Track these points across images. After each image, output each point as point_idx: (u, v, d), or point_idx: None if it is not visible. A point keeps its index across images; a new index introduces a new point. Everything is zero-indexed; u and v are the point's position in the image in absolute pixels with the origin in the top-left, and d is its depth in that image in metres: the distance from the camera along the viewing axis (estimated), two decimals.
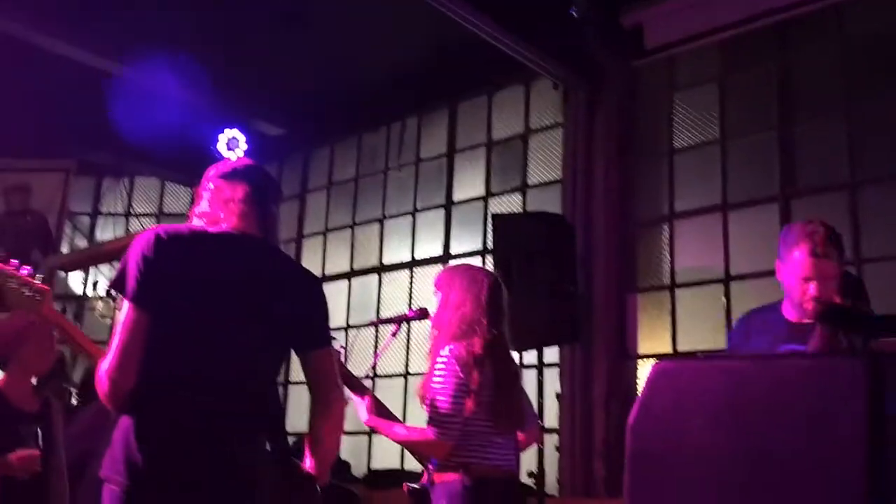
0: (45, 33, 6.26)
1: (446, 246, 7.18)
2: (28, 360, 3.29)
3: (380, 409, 3.11)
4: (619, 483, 5.40)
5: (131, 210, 8.94)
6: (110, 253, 6.68)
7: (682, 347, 5.69)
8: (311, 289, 2.31)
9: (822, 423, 1.14)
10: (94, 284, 7.98)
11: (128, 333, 2.04)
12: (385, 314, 7.25)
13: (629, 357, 5.86)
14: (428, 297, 3.20)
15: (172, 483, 1.99)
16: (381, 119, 7.81)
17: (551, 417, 5.37)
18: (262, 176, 2.34)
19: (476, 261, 6.72)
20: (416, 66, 6.97)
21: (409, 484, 3.05)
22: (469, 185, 7.22)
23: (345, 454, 6.77)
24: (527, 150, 6.87)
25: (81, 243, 8.72)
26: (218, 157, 7.36)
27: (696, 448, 1.20)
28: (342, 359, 3.04)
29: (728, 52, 5.94)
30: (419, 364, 6.63)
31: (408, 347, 7.05)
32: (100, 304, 7.62)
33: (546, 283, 4.76)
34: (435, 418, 2.84)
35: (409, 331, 6.90)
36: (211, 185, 2.26)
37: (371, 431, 7.02)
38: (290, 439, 2.28)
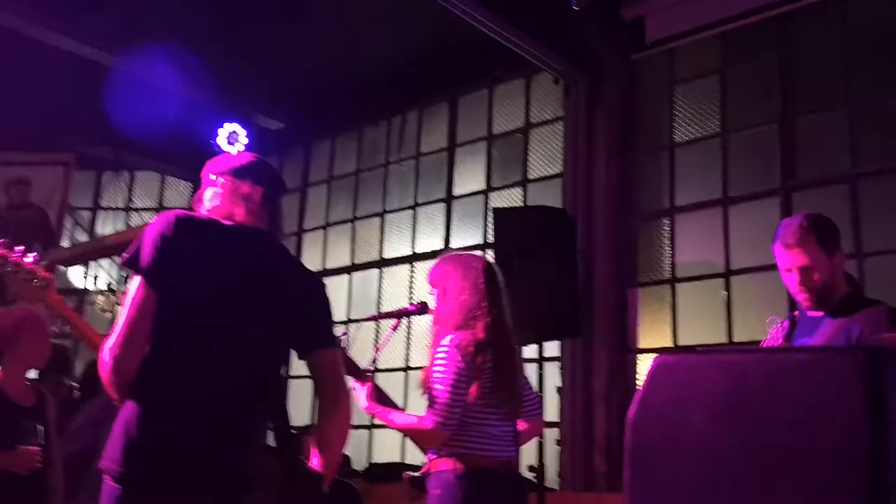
0: (45, 26, 6.25)
1: (447, 240, 7.18)
2: (24, 354, 3.29)
3: (380, 397, 3.10)
4: (620, 477, 5.41)
5: (131, 204, 8.94)
6: (111, 247, 6.68)
7: (682, 341, 5.69)
8: (317, 290, 2.31)
9: (821, 417, 1.14)
10: (95, 279, 7.98)
11: (136, 310, 2.03)
12: (385, 308, 7.26)
13: (629, 351, 5.86)
14: (429, 292, 3.19)
15: (171, 473, 1.99)
16: (381, 113, 7.80)
17: (552, 411, 5.37)
18: (273, 174, 2.35)
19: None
20: (417, 59, 6.96)
21: (409, 473, 3.05)
22: (470, 179, 7.22)
23: (345, 448, 6.78)
24: (527, 144, 6.87)
25: (82, 237, 8.72)
26: (218, 152, 7.35)
27: (695, 442, 1.20)
28: (346, 346, 3.04)
29: (729, 45, 5.92)
30: (420, 358, 6.63)
31: (408, 342, 7.05)
32: (100, 299, 7.62)
33: (546, 277, 4.75)
34: (433, 407, 2.83)
35: (409, 325, 6.91)
36: (221, 181, 2.25)
37: (372, 426, 7.03)
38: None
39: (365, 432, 7.05)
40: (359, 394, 3.03)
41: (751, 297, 5.46)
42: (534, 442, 3.82)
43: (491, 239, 6.08)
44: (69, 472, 3.48)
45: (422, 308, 3.31)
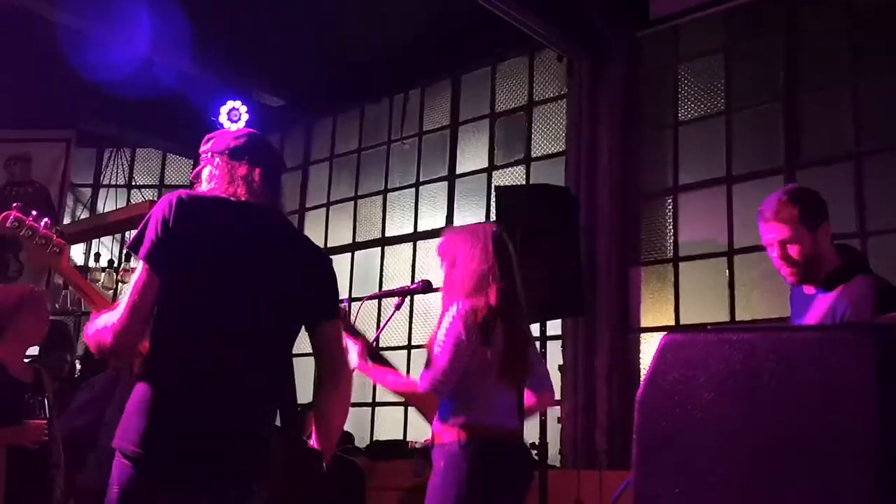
0: (45, 1, 6.20)
1: (449, 218, 7.16)
2: (24, 331, 3.29)
3: (374, 356, 3.06)
4: (621, 455, 5.44)
5: (133, 182, 8.91)
6: (112, 224, 6.66)
7: (684, 321, 5.69)
8: (322, 264, 2.31)
9: (832, 396, 1.13)
10: (97, 256, 7.97)
11: (139, 294, 2.03)
12: (388, 287, 7.26)
13: (632, 330, 5.86)
14: (431, 270, 3.18)
15: (185, 454, 1.99)
16: (383, 90, 7.76)
17: (554, 390, 5.38)
18: (270, 152, 2.33)
19: None
20: (419, 36, 6.91)
21: (413, 442, 3.04)
22: (472, 157, 7.19)
23: (348, 425, 6.77)
24: (531, 122, 6.83)
25: (83, 215, 8.70)
26: (219, 128, 7.31)
27: (705, 421, 1.19)
28: (346, 314, 3.02)
29: (733, 22, 5.88)
30: (422, 336, 6.64)
31: (411, 320, 7.05)
32: (102, 276, 7.62)
33: (549, 256, 4.75)
34: (429, 370, 2.81)
35: (411, 303, 6.91)
36: (218, 161, 2.24)
37: (374, 403, 7.05)
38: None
39: (368, 410, 7.08)
40: (350, 352, 2.94)
41: (754, 276, 5.45)
42: (535, 420, 3.82)
43: (494, 217, 6.07)
44: (73, 448, 3.50)
45: (424, 286, 3.30)
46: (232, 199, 2.18)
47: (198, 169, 2.28)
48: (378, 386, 3.18)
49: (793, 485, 1.09)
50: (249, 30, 6.74)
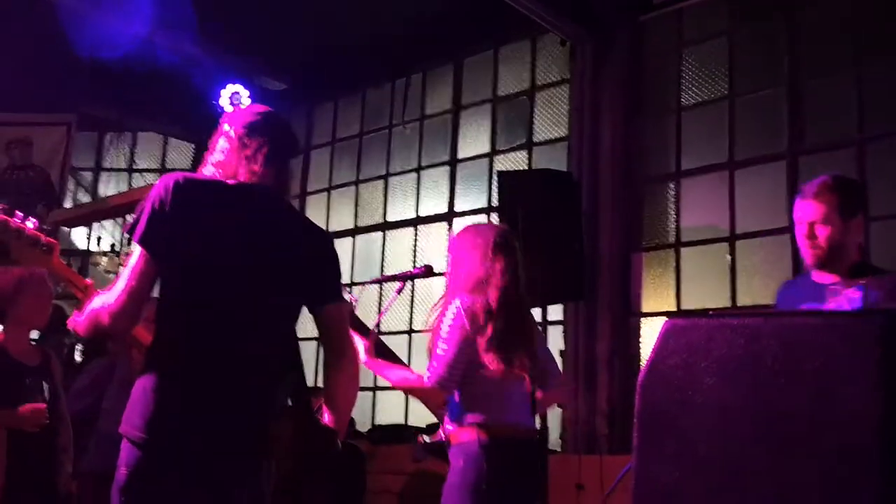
0: None
1: (451, 203, 7.15)
2: (25, 313, 3.29)
3: (382, 352, 3.10)
4: (622, 440, 5.45)
5: (134, 165, 8.89)
6: (114, 208, 6.66)
7: (686, 306, 5.69)
8: (324, 245, 2.30)
9: (835, 382, 1.13)
10: (98, 240, 7.96)
11: (136, 279, 2.03)
12: (389, 271, 7.26)
13: (633, 315, 5.86)
14: (432, 255, 3.19)
15: (190, 437, 1.99)
16: (385, 74, 7.72)
17: (567, 381, 5.38)
18: (283, 131, 2.30)
19: (481, 218, 6.69)
20: (422, 20, 6.87)
21: (422, 439, 3.05)
22: (474, 141, 7.16)
23: (354, 403, 6.81)
24: (533, 107, 6.80)
25: (84, 198, 8.69)
26: (220, 112, 7.29)
27: (706, 406, 1.19)
28: (353, 307, 3.05)
29: (737, 7, 5.84)
30: (423, 321, 6.64)
31: (412, 305, 7.06)
32: (104, 260, 7.62)
33: (551, 241, 4.74)
34: (434, 366, 2.83)
35: (413, 288, 6.91)
36: (232, 135, 2.22)
37: (375, 388, 7.06)
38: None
39: (369, 394, 7.09)
40: (359, 349, 3.02)
41: (755, 261, 5.45)
42: (546, 410, 3.82)
43: (496, 202, 6.05)
44: (73, 432, 3.51)
45: (426, 271, 3.31)
46: (231, 181, 2.16)
47: (214, 137, 2.27)
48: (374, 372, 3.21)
49: (794, 470, 1.09)
50: (251, 13, 6.71)
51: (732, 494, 1.14)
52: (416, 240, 7.37)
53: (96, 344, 4.24)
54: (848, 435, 1.07)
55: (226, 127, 2.24)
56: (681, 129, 5.97)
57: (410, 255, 7.33)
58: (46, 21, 6.37)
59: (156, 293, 2.11)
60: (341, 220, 8.04)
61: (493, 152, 6.98)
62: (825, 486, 1.07)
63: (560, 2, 6.01)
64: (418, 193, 7.46)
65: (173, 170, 8.70)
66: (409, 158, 7.59)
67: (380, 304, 6.70)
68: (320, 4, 6.68)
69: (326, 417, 2.18)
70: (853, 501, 1.04)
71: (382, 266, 7.54)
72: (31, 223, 2.35)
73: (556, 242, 4.76)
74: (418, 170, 7.50)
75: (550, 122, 6.68)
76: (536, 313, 4.71)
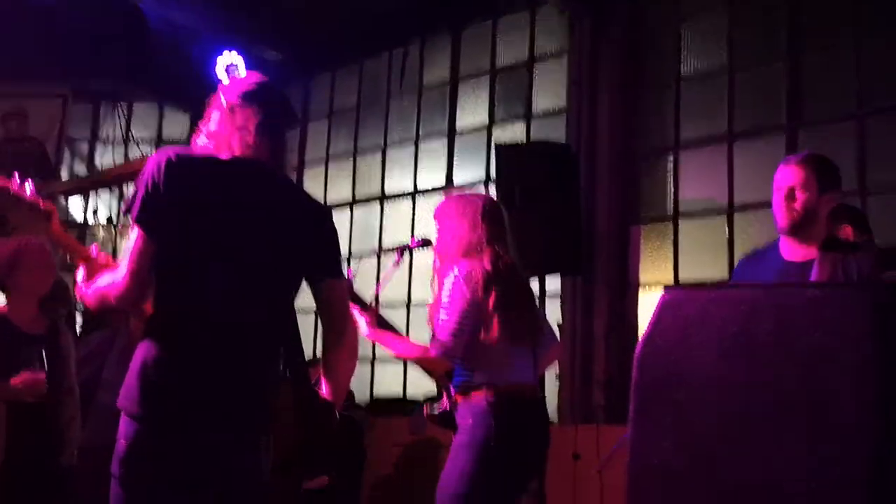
0: None
1: (449, 175, 7.13)
2: (27, 282, 3.28)
3: (380, 325, 3.14)
4: (618, 410, 5.48)
5: (130, 136, 8.84)
6: (110, 179, 6.64)
7: (683, 278, 5.70)
8: (322, 219, 2.29)
9: (829, 355, 1.13)
10: (95, 212, 7.95)
11: (137, 260, 2.04)
12: (387, 244, 7.26)
13: (630, 287, 5.87)
14: (430, 227, 3.20)
15: (188, 411, 2.01)
16: (383, 45, 7.65)
17: (559, 341, 5.41)
18: (278, 101, 2.28)
19: (479, 190, 6.68)
20: None
21: (427, 409, 3.09)
22: (472, 113, 7.13)
23: (352, 377, 6.84)
24: (531, 78, 6.76)
25: (80, 169, 8.66)
26: (216, 82, 7.24)
27: (702, 378, 1.20)
28: (351, 281, 3.08)
29: None
30: (421, 293, 6.65)
31: (410, 277, 7.06)
32: (101, 231, 7.61)
33: (549, 213, 4.74)
34: (438, 335, 2.86)
35: (411, 260, 6.91)
36: (225, 104, 2.21)
37: (374, 360, 7.09)
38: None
39: (367, 367, 7.12)
40: (359, 322, 3.05)
41: (753, 234, 5.45)
42: (544, 370, 3.86)
43: (494, 174, 6.04)
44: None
45: (424, 243, 3.33)
46: (224, 154, 2.15)
47: (209, 109, 2.26)
48: (378, 344, 3.25)
49: (788, 441, 1.10)
50: None
51: (727, 466, 1.15)
52: (414, 212, 7.36)
53: (96, 315, 4.24)
54: (841, 407, 1.08)
55: (220, 97, 2.22)
56: (679, 101, 5.94)
57: (408, 227, 7.32)
58: None
59: None
60: (339, 191, 8.01)
61: (492, 124, 6.95)
62: (818, 457, 1.08)
63: None
64: (416, 165, 7.44)
65: (169, 140, 8.68)
66: (406, 130, 7.55)
67: (378, 276, 6.71)
68: None
69: (324, 390, 2.19)
70: (847, 472, 1.05)
71: (380, 238, 7.53)
72: (28, 188, 2.34)
73: (553, 215, 4.76)
74: (416, 141, 7.46)
75: (549, 93, 6.64)
76: (534, 286, 4.73)
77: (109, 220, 7.83)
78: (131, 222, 2.07)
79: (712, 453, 1.17)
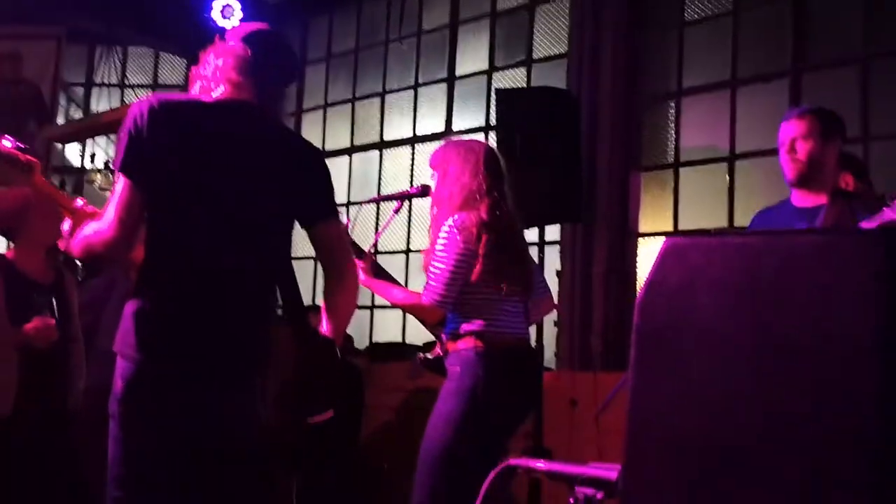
0: None
1: (448, 122, 7.06)
2: (36, 230, 3.28)
3: (378, 273, 3.15)
4: (616, 357, 5.52)
5: (126, 81, 8.74)
6: (107, 124, 6.58)
7: (683, 226, 5.68)
8: (311, 159, 2.27)
9: (833, 303, 1.12)
10: (92, 157, 7.89)
11: (124, 207, 2.02)
12: (386, 191, 7.23)
13: (630, 235, 5.87)
14: (429, 174, 3.18)
15: (183, 355, 2.02)
16: None
17: (552, 295, 5.42)
18: (268, 44, 2.24)
19: (479, 137, 6.62)
20: None
21: (421, 355, 3.12)
22: (472, 58, 7.03)
23: (352, 317, 6.88)
24: (532, 22, 6.65)
25: (77, 114, 8.57)
26: (212, 26, 7.14)
27: (704, 326, 1.19)
28: (347, 228, 3.07)
29: None
30: (420, 241, 6.65)
31: (409, 224, 7.05)
32: (98, 177, 7.57)
33: (549, 160, 4.70)
34: (432, 284, 2.87)
35: (410, 207, 6.89)
36: (219, 49, 2.19)
37: (373, 306, 7.12)
38: None
39: (366, 312, 7.15)
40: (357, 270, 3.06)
41: (754, 182, 5.42)
42: (535, 322, 3.88)
43: (494, 121, 5.98)
44: None
45: (423, 191, 3.31)
46: (208, 99, 2.12)
47: (203, 55, 2.23)
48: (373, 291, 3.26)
49: (790, 388, 1.10)
50: None
51: (727, 414, 1.15)
52: (413, 159, 7.31)
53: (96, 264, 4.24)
54: (847, 353, 1.07)
55: (216, 43, 2.20)
56: (683, 45, 5.85)
57: (408, 175, 7.28)
58: None
59: None
60: (337, 138, 7.95)
61: (492, 69, 6.86)
62: (822, 403, 1.08)
63: None
64: (415, 111, 7.36)
65: (166, 85, 8.59)
66: (405, 75, 7.46)
67: (377, 223, 6.69)
68: None
69: (325, 327, 2.20)
70: (850, 423, 1.05)
71: (379, 185, 7.49)
72: (7, 142, 2.31)
73: (554, 162, 4.71)
74: (415, 87, 7.38)
75: (550, 38, 6.54)
76: (533, 233, 4.72)
77: (106, 165, 7.78)
78: (116, 170, 2.06)
79: (713, 400, 1.17)
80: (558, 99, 5.10)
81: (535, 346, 4.44)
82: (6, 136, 2.33)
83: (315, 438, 2.17)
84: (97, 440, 2.19)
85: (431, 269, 2.89)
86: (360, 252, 3.14)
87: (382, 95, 7.62)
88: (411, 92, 7.40)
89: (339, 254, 2.25)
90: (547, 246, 4.92)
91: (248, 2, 7.63)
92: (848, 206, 2.69)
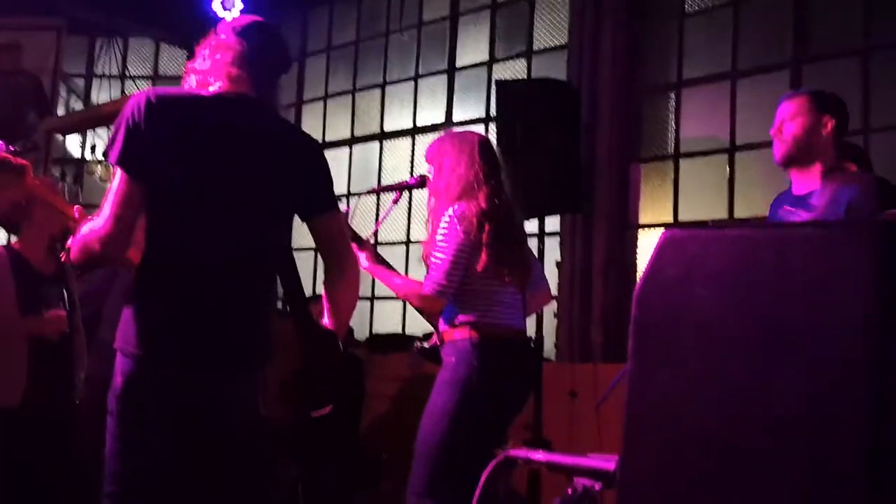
0: None
1: (448, 113, 7.06)
2: (42, 221, 3.29)
3: (380, 263, 3.17)
4: (616, 349, 5.53)
5: (126, 72, 8.73)
6: (108, 115, 6.56)
7: (683, 218, 5.69)
8: (310, 152, 2.27)
9: (830, 294, 1.13)
10: (93, 148, 7.89)
11: (121, 202, 2.01)
12: (386, 181, 7.22)
13: (630, 226, 5.87)
14: (427, 170, 3.19)
15: (181, 350, 2.02)
16: None
17: (551, 285, 5.42)
18: (264, 36, 2.24)
19: (479, 128, 6.62)
20: None
21: (419, 343, 3.13)
22: (473, 49, 7.02)
23: (354, 310, 6.89)
24: (533, 13, 6.63)
25: (77, 106, 8.57)
26: (212, 17, 7.12)
27: (702, 317, 1.20)
28: (347, 218, 3.09)
29: None
30: (420, 231, 6.65)
31: (409, 215, 7.06)
32: (99, 168, 7.57)
33: (549, 151, 4.71)
34: (432, 275, 2.88)
35: (410, 198, 6.89)
36: (214, 44, 2.18)
37: (373, 297, 7.13)
38: None
39: (367, 303, 7.16)
40: (360, 258, 3.09)
41: (754, 173, 5.42)
42: (532, 314, 3.89)
43: (494, 112, 5.97)
44: None
45: (422, 181, 3.32)
46: (205, 93, 2.12)
47: (199, 48, 2.23)
48: (377, 281, 3.28)
49: (787, 379, 1.11)
50: None
51: (725, 404, 1.16)
52: (413, 150, 7.31)
53: None
54: (841, 347, 1.08)
55: (210, 37, 2.20)
56: (683, 36, 5.85)
57: (408, 166, 7.28)
58: None
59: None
60: (338, 129, 7.94)
61: (492, 60, 6.85)
62: (817, 394, 1.09)
63: None
64: (416, 102, 7.36)
65: (166, 77, 8.58)
66: (406, 66, 7.45)
67: (377, 214, 6.70)
68: None
69: (327, 321, 2.21)
70: (846, 414, 1.06)
71: (379, 176, 7.49)
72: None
73: (554, 153, 4.72)
74: (416, 78, 7.37)
75: (550, 29, 6.53)
76: (533, 224, 4.72)
77: (106, 156, 7.76)
78: (112, 164, 2.05)
79: (712, 391, 1.18)
80: (558, 90, 5.11)
81: (534, 337, 4.47)
82: None
83: (316, 431, 2.19)
84: (97, 431, 2.20)
85: (432, 259, 2.91)
86: (360, 240, 3.16)
87: (383, 86, 7.61)
88: (412, 83, 7.39)
89: (339, 245, 2.26)
90: (547, 237, 4.93)
91: None
92: (836, 187, 2.64)
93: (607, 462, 1.54)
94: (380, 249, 3.31)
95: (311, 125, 8.00)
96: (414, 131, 7.32)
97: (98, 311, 3.76)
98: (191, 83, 2.15)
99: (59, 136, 7.93)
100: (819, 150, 2.74)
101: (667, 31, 5.91)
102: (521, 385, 3.05)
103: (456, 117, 6.99)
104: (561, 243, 5.90)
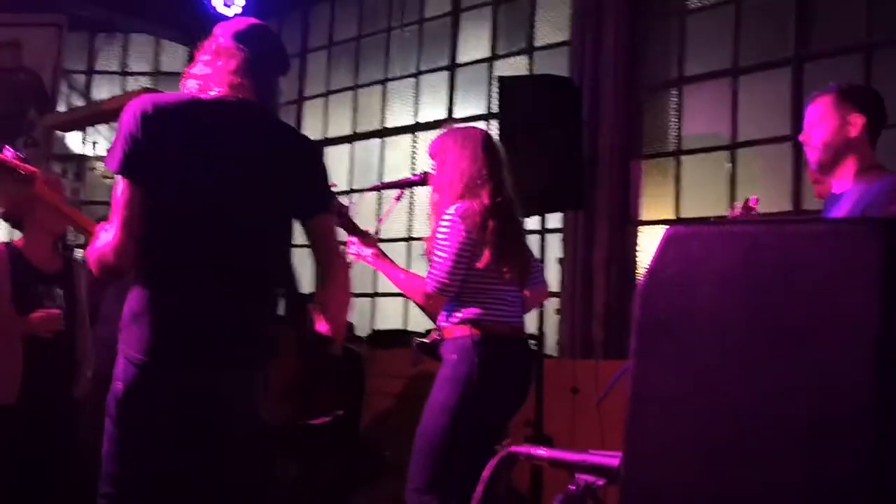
0: None
1: (450, 110, 7.05)
2: (44, 220, 3.28)
3: (384, 258, 3.18)
4: (617, 346, 5.53)
5: (127, 68, 8.72)
6: (108, 112, 6.56)
7: (685, 214, 5.68)
8: (310, 156, 2.27)
9: (834, 291, 1.13)
10: (94, 144, 7.88)
11: (126, 210, 2.02)
12: (388, 178, 7.22)
13: (631, 223, 5.87)
14: (430, 166, 3.18)
15: (183, 355, 2.02)
16: None
17: (552, 282, 5.41)
18: (265, 42, 2.24)
19: (481, 125, 6.60)
20: None
21: (418, 339, 3.14)
22: (474, 46, 7.01)
23: (349, 312, 6.88)
24: (534, 10, 6.62)
25: (78, 102, 8.56)
26: (213, 14, 7.12)
27: (705, 314, 1.19)
28: (351, 213, 3.10)
29: None
30: (422, 228, 6.65)
31: (410, 212, 7.05)
32: (100, 165, 7.57)
33: (551, 148, 4.70)
34: (434, 272, 2.88)
35: (411, 195, 6.88)
36: (213, 46, 2.18)
37: (375, 294, 7.13)
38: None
39: (368, 300, 7.16)
40: (365, 252, 3.08)
41: (756, 170, 5.41)
42: (534, 311, 3.90)
43: (495, 109, 5.96)
44: None
45: (424, 178, 3.31)
46: (205, 97, 2.12)
47: (198, 52, 2.22)
48: (378, 277, 3.29)
49: (790, 376, 1.10)
50: None
51: (727, 401, 1.16)
52: (414, 146, 7.30)
53: None
54: (846, 346, 1.08)
55: (209, 40, 2.20)
56: (685, 33, 5.84)
57: (409, 162, 7.27)
58: None
59: None
60: (339, 126, 7.94)
61: (494, 57, 6.84)
62: (822, 391, 1.08)
63: None
64: (417, 99, 7.35)
65: (167, 73, 8.57)
66: (407, 63, 7.44)
67: (378, 211, 6.69)
68: None
69: (321, 326, 2.20)
70: (848, 409, 1.05)
71: (381, 173, 7.49)
72: (9, 153, 2.31)
73: (555, 149, 4.71)
74: (417, 75, 7.36)
75: (552, 25, 6.52)
76: (535, 221, 4.72)
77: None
78: (113, 172, 2.05)
79: (714, 387, 1.18)
80: (560, 87, 5.10)
81: (536, 333, 4.47)
82: (7, 146, 2.33)
83: (316, 436, 2.20)
84: (95, 428, 2.20)
85: (434, 256, 2.91)
86: (364, 235, 3.17)
87: (384, 83, 7.60)
88: (413, 80, 7.38)
89: (329, 249, 2.26)
90: (548, 234, 4.93)
91: None
92: (864, 189, 2.47)
93: (610, 458, 1.54)
94: (382, 246, 3.31)
95: (312, 122, 8.00)
96: (415, 128, 7.31)
97: (95, 307, 3.76)
98: (191, 88, 2.15)
99: (60, 133, 7.93)
100: (851, 150, 2.55)
101: (668, 28, 5.90)
102: (521, 382, 3.06)
103: (457, 114, 6.98)
104: (563, 240, 5.89)
